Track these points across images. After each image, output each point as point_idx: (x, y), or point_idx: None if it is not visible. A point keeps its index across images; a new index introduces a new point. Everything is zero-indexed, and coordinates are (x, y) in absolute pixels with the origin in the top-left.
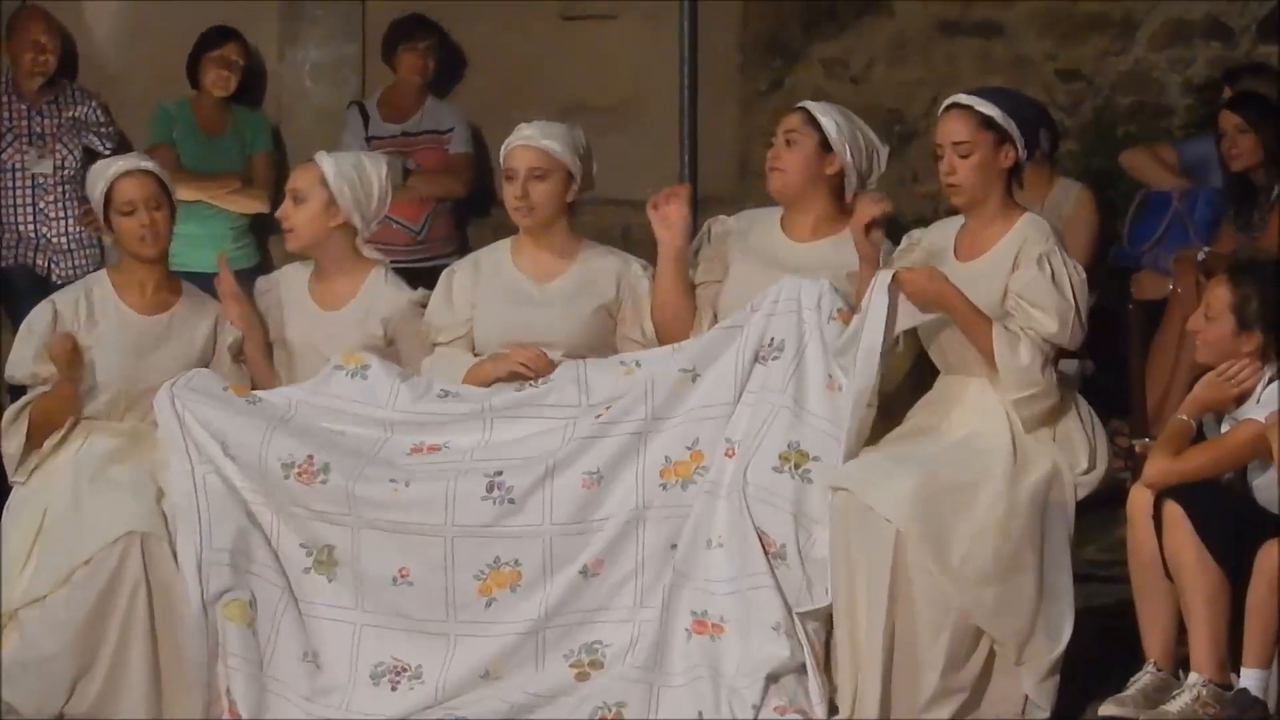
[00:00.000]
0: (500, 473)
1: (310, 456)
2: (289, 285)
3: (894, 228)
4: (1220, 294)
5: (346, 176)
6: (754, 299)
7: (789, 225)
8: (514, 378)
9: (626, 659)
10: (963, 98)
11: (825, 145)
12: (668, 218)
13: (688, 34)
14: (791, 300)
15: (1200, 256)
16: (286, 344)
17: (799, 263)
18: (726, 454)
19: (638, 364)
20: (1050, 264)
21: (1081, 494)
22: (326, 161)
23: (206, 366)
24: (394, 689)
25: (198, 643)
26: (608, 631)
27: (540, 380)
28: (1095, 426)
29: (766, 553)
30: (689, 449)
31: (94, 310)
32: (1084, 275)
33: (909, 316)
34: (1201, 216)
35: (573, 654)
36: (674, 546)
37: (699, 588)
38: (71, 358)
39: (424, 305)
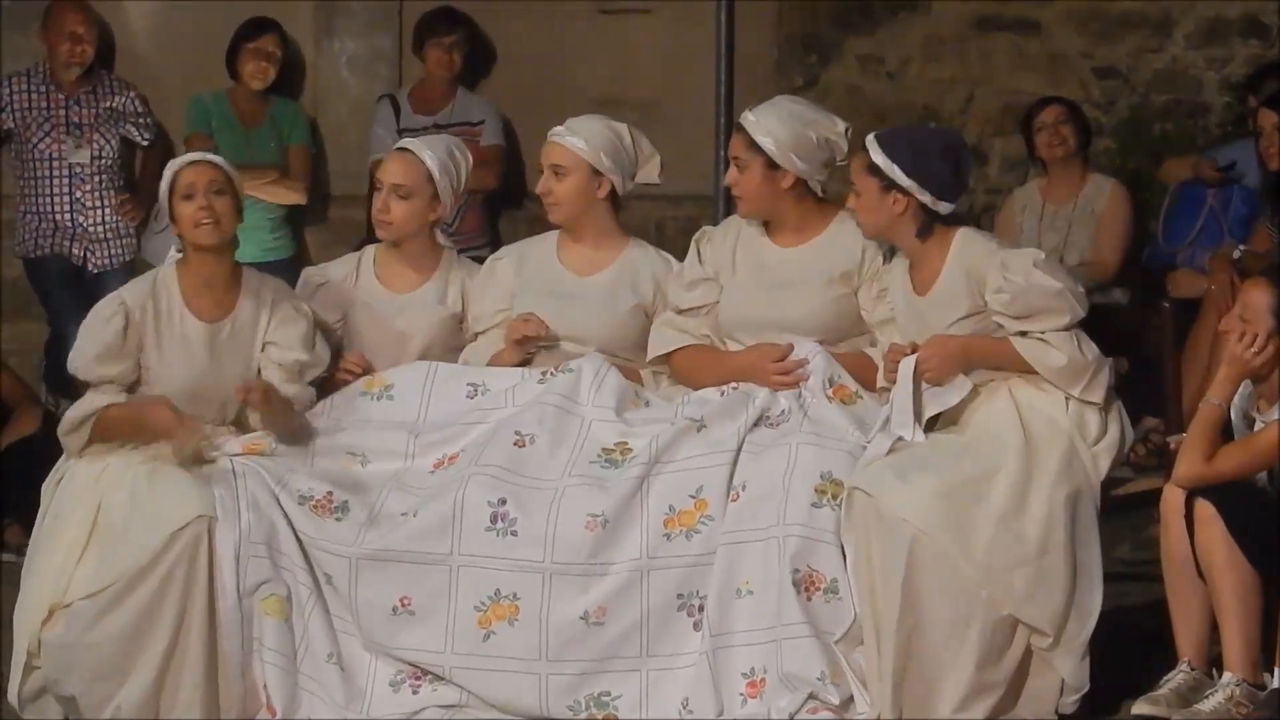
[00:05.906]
0: (504, 501)
1: (330, 493)
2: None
3: None
4: (1257, 296)
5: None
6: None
7: (773, 232)
8: (521, 359)
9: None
10: (869, 142)
11: (773, 163)
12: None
13: (724, 29)
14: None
15: (1236, 255)
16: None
17: (789, 272)
18: (731, 498)
19: (647, 403)
20: (1012, 270)
21: (1104, 464)
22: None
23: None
24: (415, 693)
25: (232, 634)
26: (614, 681)
27: (560, 368)
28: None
29: (806, 595)
30: (693, 497)
31: (159, 311)
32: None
33: (937, 403)
34: (1237, 213)
35: (580, 705)
36: (680, 596)
37: (739, 644)
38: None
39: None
